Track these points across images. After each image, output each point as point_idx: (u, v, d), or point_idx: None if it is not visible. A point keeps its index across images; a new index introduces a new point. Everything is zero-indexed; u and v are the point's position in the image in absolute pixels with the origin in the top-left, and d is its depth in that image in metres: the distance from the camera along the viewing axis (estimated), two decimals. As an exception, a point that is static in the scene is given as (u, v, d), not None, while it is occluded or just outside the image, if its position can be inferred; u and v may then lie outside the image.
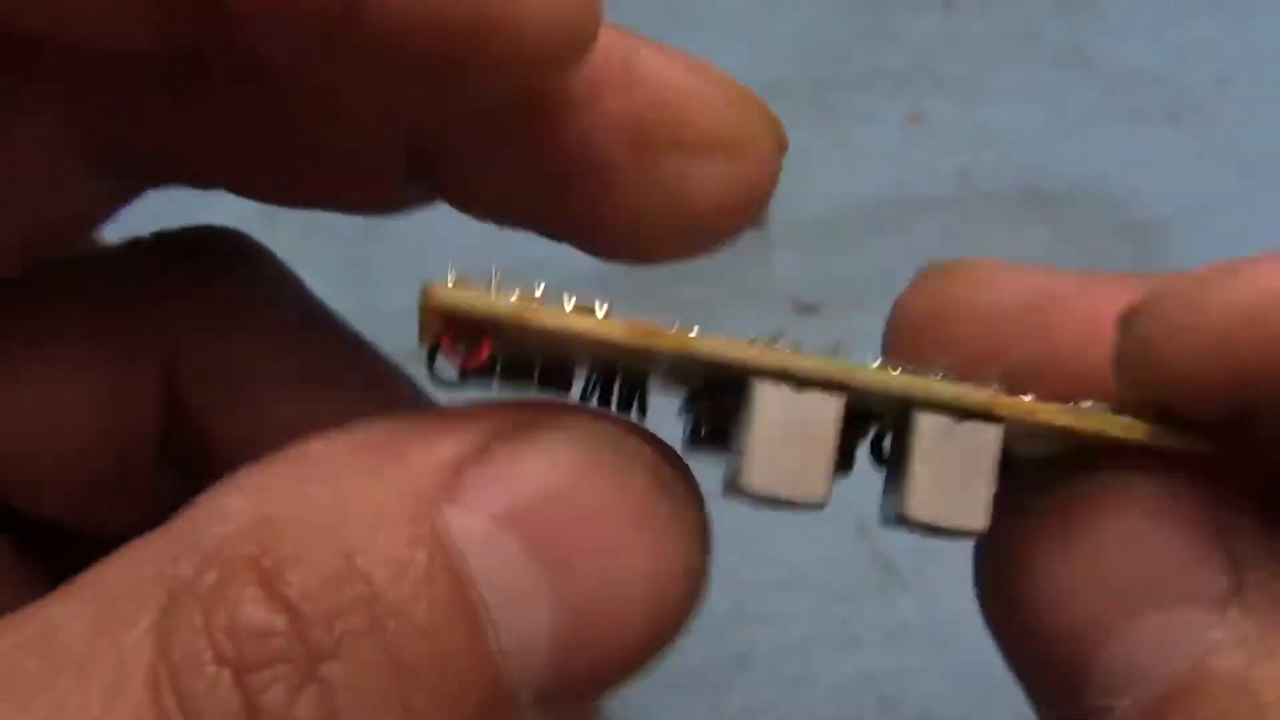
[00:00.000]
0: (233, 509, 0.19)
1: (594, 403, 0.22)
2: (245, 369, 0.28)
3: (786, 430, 0.19)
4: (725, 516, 0.37)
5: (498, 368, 0.21)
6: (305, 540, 0.18)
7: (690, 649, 0.31)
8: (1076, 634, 0.21)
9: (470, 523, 0.18)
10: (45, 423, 0.27)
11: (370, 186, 0.26)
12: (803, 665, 0.30)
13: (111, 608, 0.18)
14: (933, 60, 0.60)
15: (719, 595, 0.29)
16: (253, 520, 0.18)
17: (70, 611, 0.18)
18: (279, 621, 0.18)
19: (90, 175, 0.27)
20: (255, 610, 0.18)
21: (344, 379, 0.28)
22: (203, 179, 0.27)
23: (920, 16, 0.61)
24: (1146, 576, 0.20)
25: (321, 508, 0.18)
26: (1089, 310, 0.23)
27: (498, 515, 0.19)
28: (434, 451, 0.19)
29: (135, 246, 0.29)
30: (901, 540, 0.30)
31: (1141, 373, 0.21)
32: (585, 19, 0.21)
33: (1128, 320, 0.21)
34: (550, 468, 0.19)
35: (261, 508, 0.18)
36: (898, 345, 0.24)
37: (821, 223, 0.57)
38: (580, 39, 0.22)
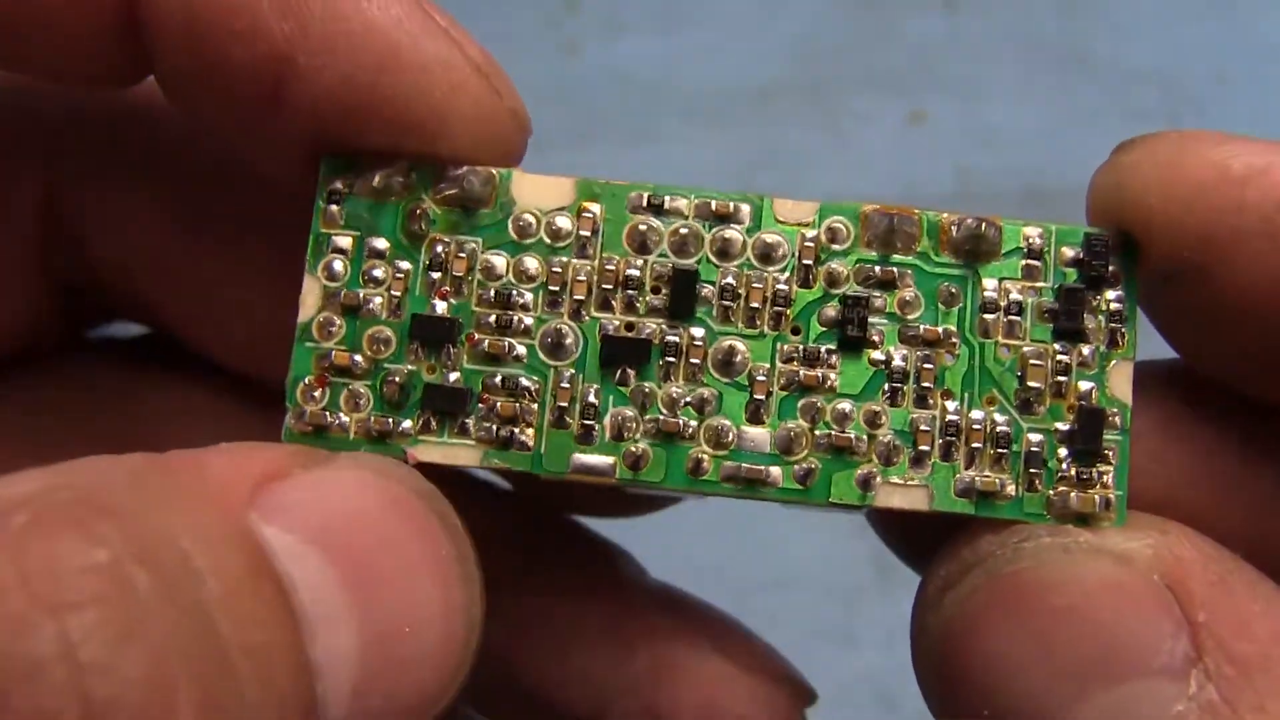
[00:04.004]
0: (30, 476, 0.17)
1: None
2: (126, 192, 0.26)
3: None
4: (725, 518, 0.37)
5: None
6: (117, 500, 0.17)
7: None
8: (1028, 715, 0.19)
9: (278, 534, 0.18)
10: None
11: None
12: (802, 665, 0.30)
13: None
14: (933, 61, 0.60)
15: (719, 595, 0.29)
16: (57, 483, 0.17)
17: None
18: (102, 555, 0.16)
19: (50, 300, 0.27)
20: (75, 545, 0.16)
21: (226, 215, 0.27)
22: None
23: (921, 17, 0.61)
24: (1100, 651, 0.19)
25: (124, 487, 0.17)
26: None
27: (302, 531, 0.18)
28: (236, 467, 0.19)
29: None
30: (900, 540, 0.30)
31: (1112, 195, 0.21)
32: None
33: (1121, 149, 0.21)
34: (348, 494, 0.19)
35: (60, 480, 0.17)
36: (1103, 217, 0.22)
37: (822, 223, 0.57)
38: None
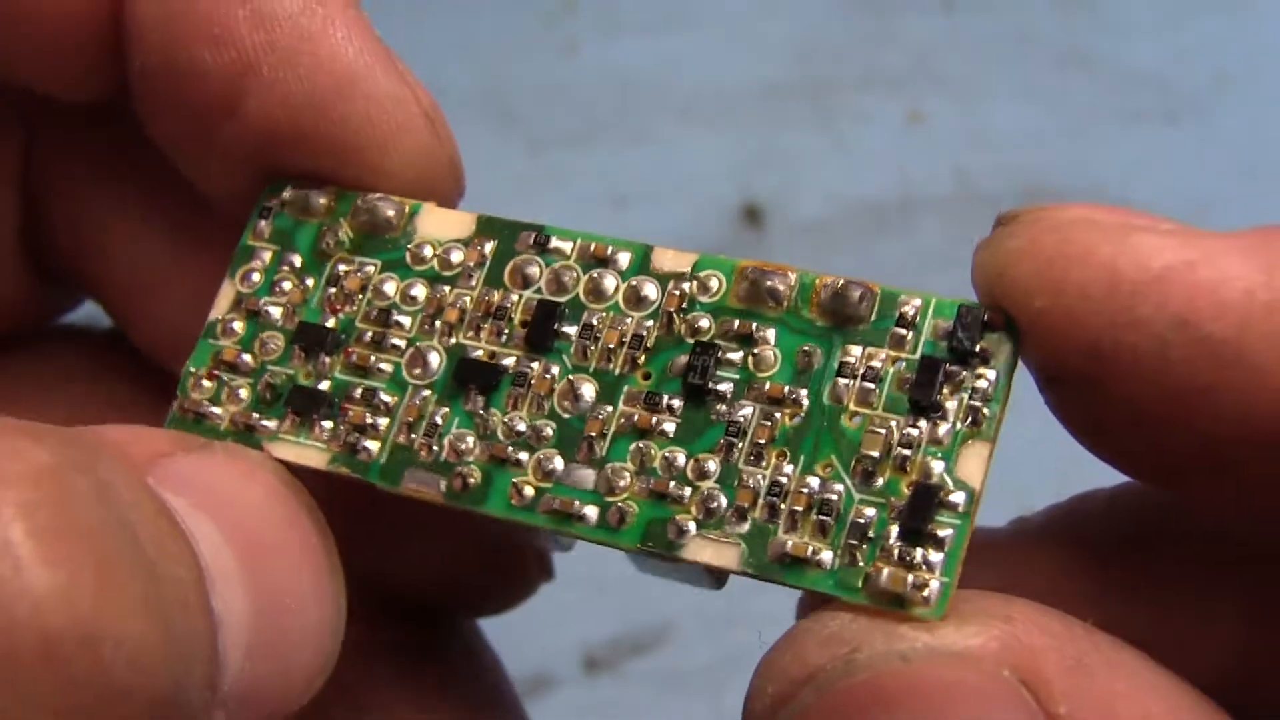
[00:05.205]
0: None
1: None
2: (94, 178, 0.27)
3: None
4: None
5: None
6: (44, 431, 0.17)
7: (690, 649, 0.31)
8: None
9: (174, 497, 0.19)
10: None
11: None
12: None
13: None
14: (932, 61, 0.60)
15: (719, 595, 0.29)
16: None
17: None
18: (44, 455, 0.17)
19: (34, 281, 0.27)
20: (19, 443, 0.17)
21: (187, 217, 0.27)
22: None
23: (920, 17, 0.61)
24: None
25: (45, 429, 0.18)
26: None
27: (195, 499, 0.19)
28: (129, 440, 0.19)
29: None
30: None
31: (994, 286, 0.19)
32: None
33: (1005, 223, 0.20)
34: (229, 476, 0.20)
35: None
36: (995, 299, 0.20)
37: (821, 222, 0.57)
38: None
